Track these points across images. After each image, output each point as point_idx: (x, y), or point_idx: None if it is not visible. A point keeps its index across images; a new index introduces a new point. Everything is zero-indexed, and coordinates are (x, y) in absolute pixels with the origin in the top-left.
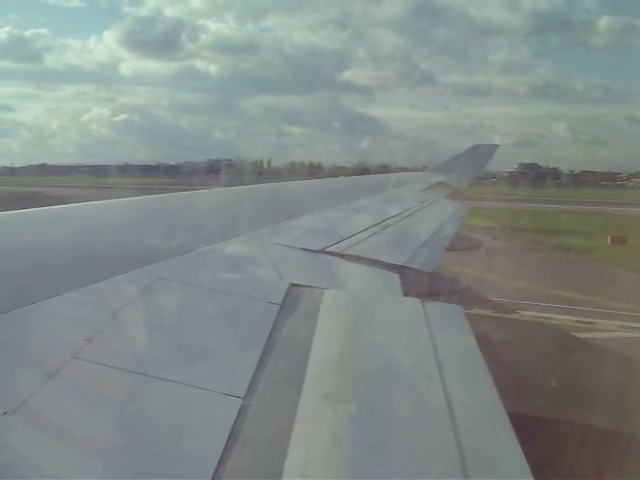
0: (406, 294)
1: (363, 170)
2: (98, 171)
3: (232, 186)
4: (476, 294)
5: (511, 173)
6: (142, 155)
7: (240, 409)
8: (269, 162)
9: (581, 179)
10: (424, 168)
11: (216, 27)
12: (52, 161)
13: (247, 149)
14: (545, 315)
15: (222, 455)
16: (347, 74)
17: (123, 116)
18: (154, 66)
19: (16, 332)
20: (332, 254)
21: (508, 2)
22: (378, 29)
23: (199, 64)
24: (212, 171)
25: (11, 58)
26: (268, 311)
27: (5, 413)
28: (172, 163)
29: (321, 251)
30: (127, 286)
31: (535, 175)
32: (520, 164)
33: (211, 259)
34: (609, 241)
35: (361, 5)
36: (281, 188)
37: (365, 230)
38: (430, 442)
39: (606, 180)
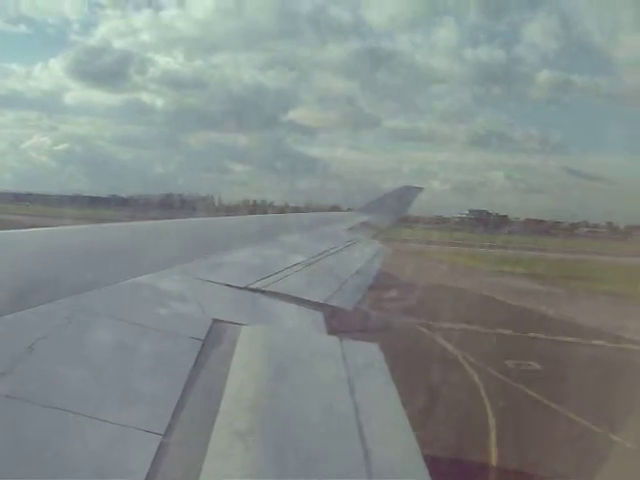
0: (329, 331)
1: (300, 209)
2: (47, 200)
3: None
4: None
5: (462, 219)
6: (81, 185)
7: (159, 446)
8: (218, 198)
9: (531, 227)
10: (349, 209)
11: (164, 61)
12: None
13: (188, 184)
14: None
15: None
16: (292, 114)
17: (64, 145)
18: (99, 96)
19: None
20: (256, 291)
21: (452, 52)
22: (325, 72)
23: (145, 97)
24: (163, 205)
25: None
26: (190, 347)
27: None
28: (123, 196)
29: (245, 287)
30: (46, 317)
31: (486, 222)
32: (471, 210)
33: (135, 292)
34: None
35: (310, 47)
36: (207, 223)
37: (289, 268)
38: None
39: (552, 229)
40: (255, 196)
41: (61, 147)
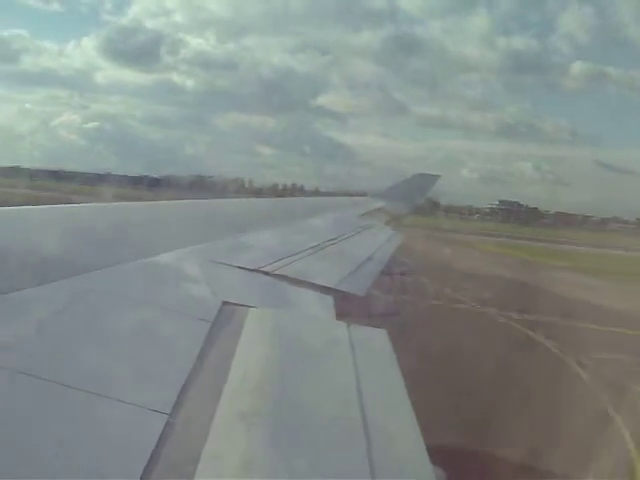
0: (339, 316)
1: (328, 194)
2: (78, 178)
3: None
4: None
5: (492, 209)
6: (111, 164)
7: (165, 425)
8: (248, 181)
9: (562, 220)
10: (364, 194)
11: (196, 42)
12: (21, 164)
13: (218, 166)
14: None
15: (144, 471)
16: (321, 99)
17: (94, 124)
18: (130, 76)
19: None
20: (267, 274)
21: (485, 40)
22: (355, 57)
23: (176, 77)
24: (193, 186)
25: None
26: (199, 328)
27: None
28: (154, 175)
29: (256, 270)
30: (56, 296)
31: (517, 213)
32: (501, 201)
33: (147, 272)
34: None
35: (341, 33)
36: (219, 205)
37: (300, 252)
38: (345, 465)
39: (583, 223)
40: (284, 180)
41: (91, 125)
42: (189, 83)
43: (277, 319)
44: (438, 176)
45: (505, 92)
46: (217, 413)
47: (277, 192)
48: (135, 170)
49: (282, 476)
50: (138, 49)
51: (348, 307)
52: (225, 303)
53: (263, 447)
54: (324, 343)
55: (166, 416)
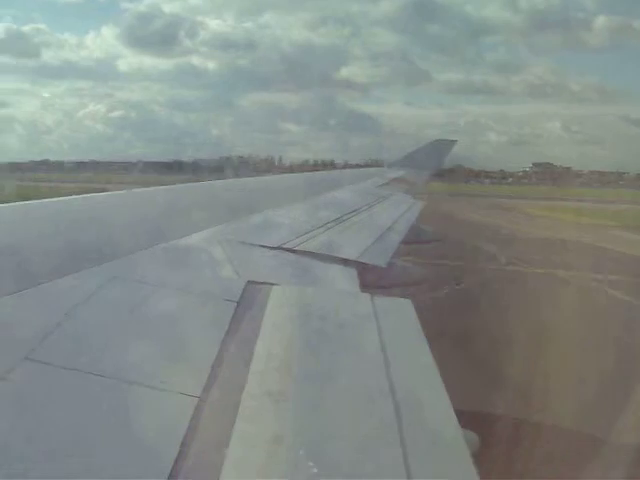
0: (363, 288)
1: (359, 166)
2: (115, 168)
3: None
4: None
5: (525, 172)
6: (138, 151)
7: (195, 407)
8: (278, 159)
9: (599, 178)
10: (380, 163)
11: (214, 24)
12: (50, 157)
13: (243, 146)
14: None
15: (177, 456)
16: (343, 72)
17: (119, 112)
18: (151, 62)
19: None
20: (290, 251)
21: (506, 1)
22: (375, 27)
23: (196, 60)
24: (222, 167)
25: (10, 53)
26: (225, 309)
27: None
28: (185, 159)
29: (278, 248)
30: (80, 284)
31: (551, 174)
32: (535, 164)
33: (169, 256)
34: None
35: (358, 3)
36: (235, 184)
37: (322, 226)
38: (374, 440)
39: (619, 180)
40: (313, 156)
41: (116, 114)
42: (210, 65)
43: (300, 295)
44: (455, 141)
45: (529, 53)
46: (245, 392)
47: (307, 168)
48: (164, 156)
49: (314, 452)
50: (157, 34)
51: (374, 278)
52: (249, 282)
53: (294, 424)
54: (348, 316)
55: (196, 399)
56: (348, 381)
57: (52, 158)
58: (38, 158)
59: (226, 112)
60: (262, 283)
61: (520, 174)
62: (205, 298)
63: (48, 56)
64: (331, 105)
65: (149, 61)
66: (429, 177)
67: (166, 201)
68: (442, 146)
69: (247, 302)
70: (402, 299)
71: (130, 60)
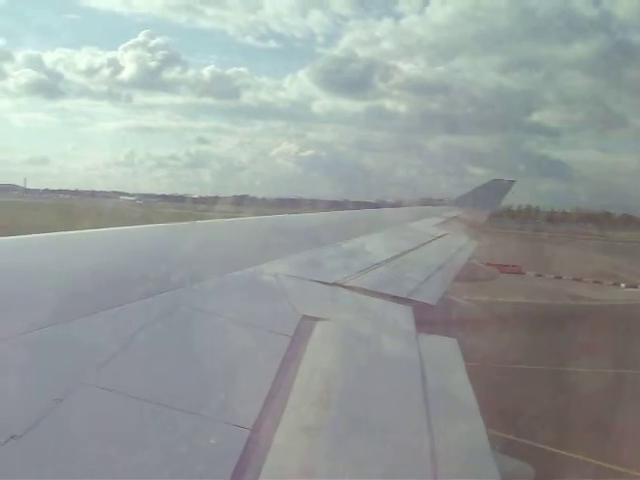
0: (418, 326)
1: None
2: (303, 204)
3: None
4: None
5: None
6: (325, 190)
7: (247, 440)
8: None
9: None
10: (441, 202)
11: (407, 67)
12: (241, 192)
13: (429, 188)
14: None
15: None
16: (534, 116)
17: (310, 151)
18: (344, 104)
19: (28, 355)
20: (344, 287)
21: None
22: (568, 70)
23: (388, 103)
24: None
25: (212, 94)
26: (279, 342)
27: (13, 437)
28: (371, 200)
29: (334, 284)
30: (141, 313)
31: None
32: None
33: (228, 287)
34: None
35: (551, 46)
36: (301, 219)
37: (379, 264)
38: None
39: None
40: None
41: (307, 153)
42: (401, 108)
43: (350, 331)
44: (514, 181)
45: None
46: (295, 427)
47: None
48: (350, 195)
49: None
50: (351, 77)
51: (429, 315)
52: (304, 317)
53: (337, 459)
54: (398, 354)
55: (248, 431)
56: (390, 420)
57: (241, 193)
58: (230, 194)
59: (413, 154)
60: (316, 318)
61: None
62: (261, 332)
63: (247, 97)
64: (520, 149)
65: (342, 103)
66: (487, 216)
67: (225, 233)
68: (501, 186)
69: (301, 336)
70: (448, 338)
71: (324, 102)
